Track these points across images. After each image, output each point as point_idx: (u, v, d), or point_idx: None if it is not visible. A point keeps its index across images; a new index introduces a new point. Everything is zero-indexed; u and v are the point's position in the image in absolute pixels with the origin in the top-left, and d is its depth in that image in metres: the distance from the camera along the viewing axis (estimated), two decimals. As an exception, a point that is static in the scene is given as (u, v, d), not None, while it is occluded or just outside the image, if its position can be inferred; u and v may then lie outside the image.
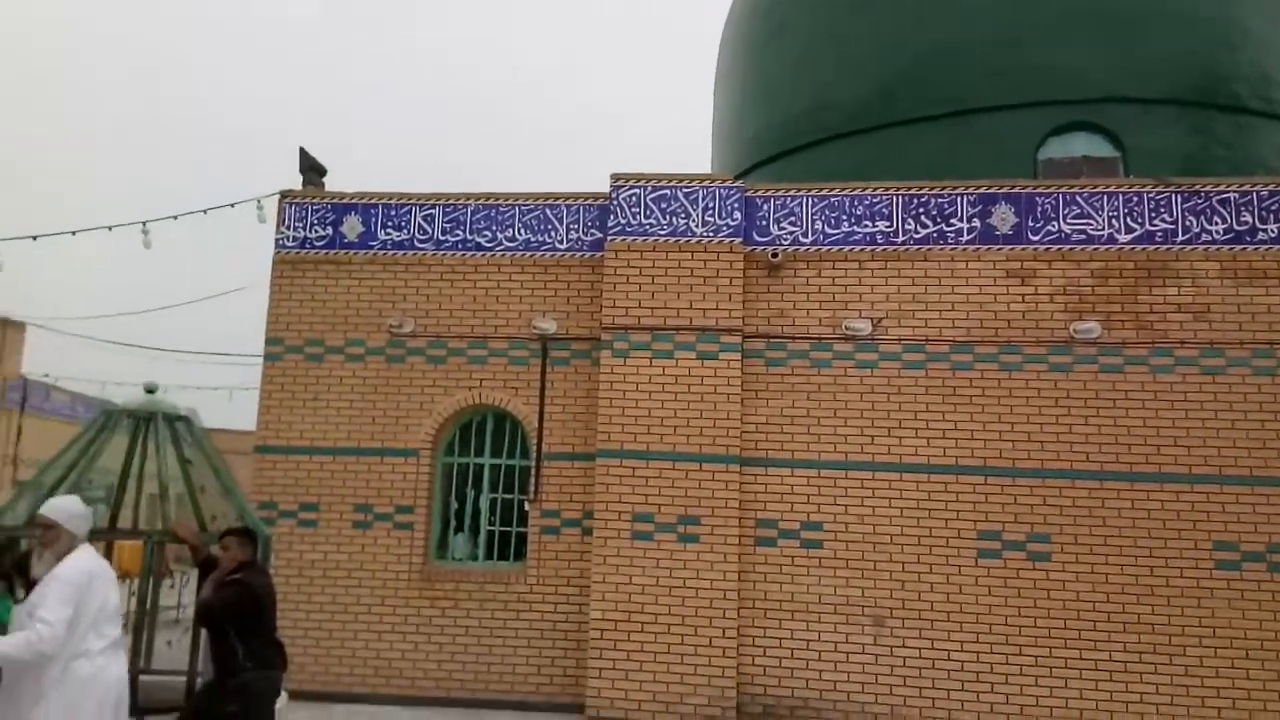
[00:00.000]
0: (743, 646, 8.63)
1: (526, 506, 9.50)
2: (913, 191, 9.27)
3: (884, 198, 9.30)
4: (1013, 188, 9.19)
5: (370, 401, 9.84)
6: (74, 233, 10.55)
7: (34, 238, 10.42)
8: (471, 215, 9.97)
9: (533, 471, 9.48)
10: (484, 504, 9.72)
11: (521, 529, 9.59)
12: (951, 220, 9.16)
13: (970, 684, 8.41)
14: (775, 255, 9.24)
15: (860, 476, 8.82)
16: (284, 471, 9.81)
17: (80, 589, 4.10)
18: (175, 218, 10.55)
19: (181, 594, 6.43)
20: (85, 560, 4.26)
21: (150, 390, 6.53)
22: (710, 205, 9.31)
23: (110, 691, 4.18)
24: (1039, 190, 9.14)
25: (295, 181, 10.57)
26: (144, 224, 10.22)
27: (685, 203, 9.35)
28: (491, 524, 9.67)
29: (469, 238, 9.95)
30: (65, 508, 4.33)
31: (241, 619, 5.16)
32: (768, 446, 9.03)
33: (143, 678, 6.22)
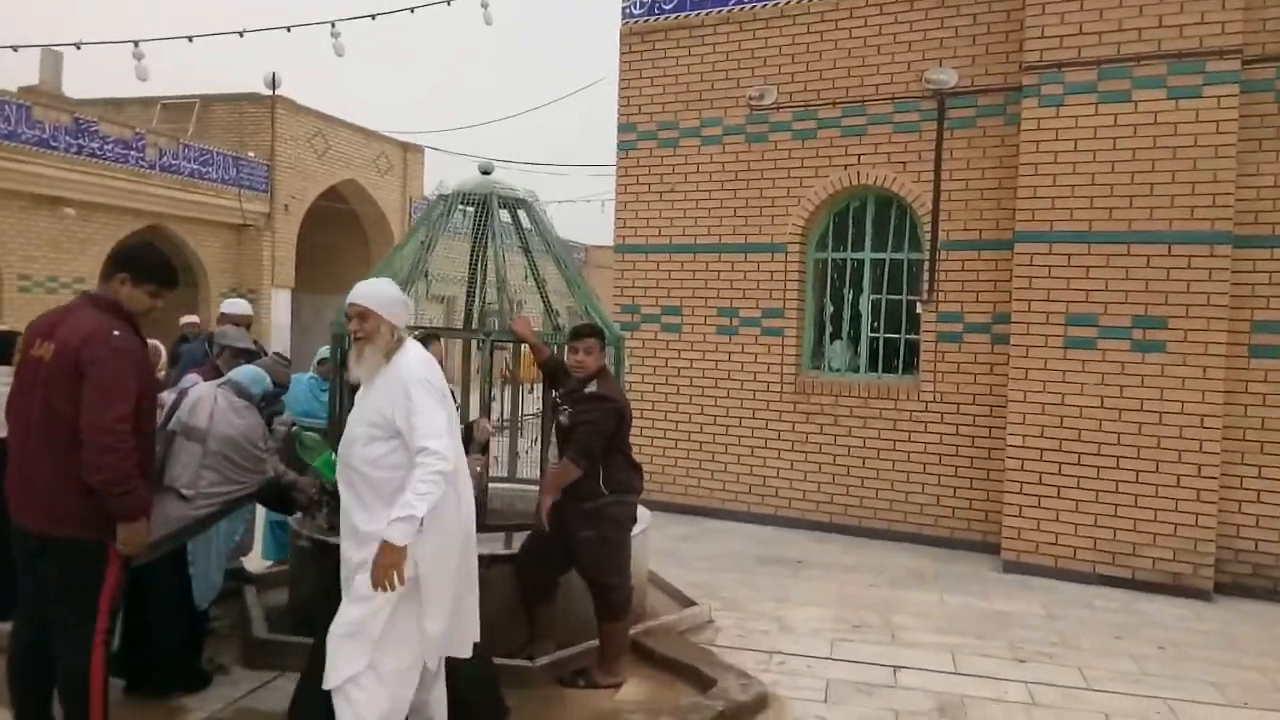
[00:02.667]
0: (1227, 489, 6.42)
1: (918, 309, 7.78)
2: None
3: None
4: None
5: (730, 190, 8.53)
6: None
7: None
8: (844, -55, 7.91)
9: (926, 266, 7.68)
10: (865, 306, 8.15)
11: (911, 336, 7.93)
12: None
13: None
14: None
15: None
16: (644, 273, 8.95)
17: (440, 386, 3.20)
18: None
19: (523, 402, 5.61)
20: (424, 352, 3.34)
21: (485, 171, 5.67)
22: (1194, -128, 6.40)
23: (470, 508, 3.35)
24: None
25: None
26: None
27: (1153, -125, 6.52)
28: (874, 330, 8.11)
29: (841, -25, 7.95)
30: (379, 292, 3.33)
31: (605, 440, 4.21)
32: (1275, 220, 6.37)
33: (495, 486, 5.71)
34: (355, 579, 3.05)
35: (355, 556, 3.08)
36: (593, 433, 4.18)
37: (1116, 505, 6.54)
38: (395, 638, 3.05)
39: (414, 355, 3.24)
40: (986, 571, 6.79)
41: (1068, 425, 6.71)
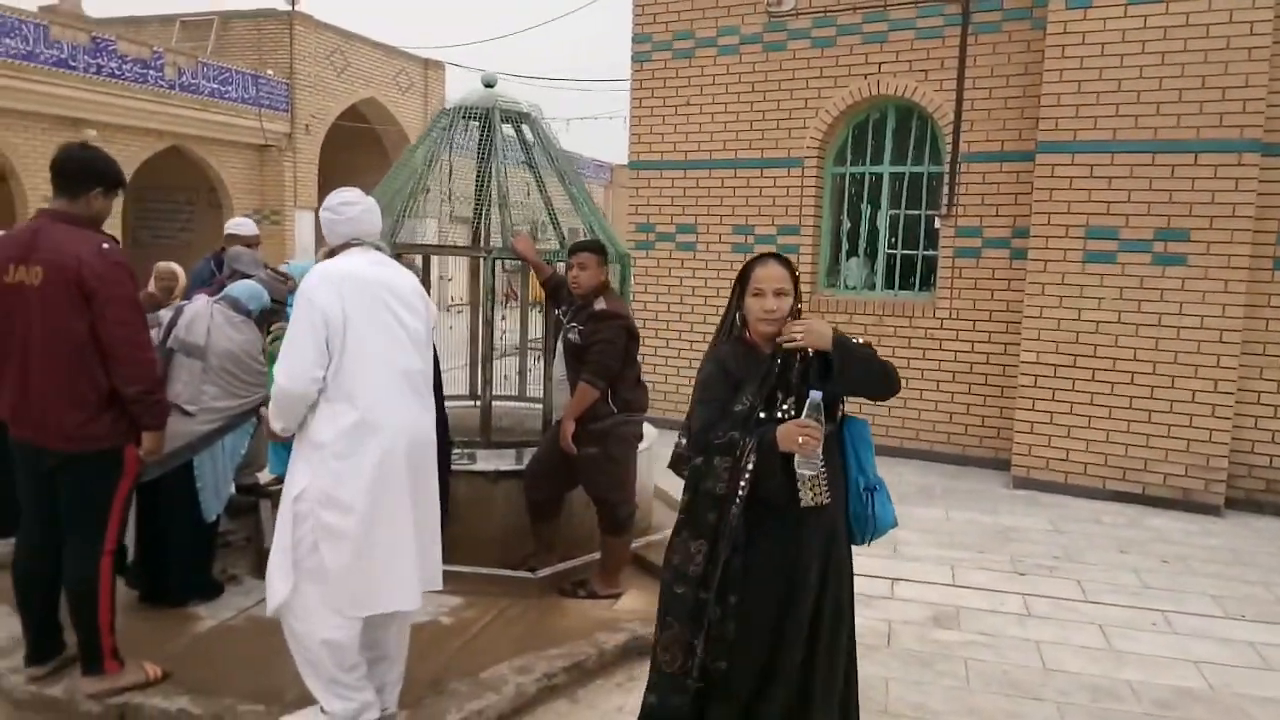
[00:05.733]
0: (1243, 404, 6.32)
1: (937, 224, 7.62)
2: None
3: None
4: None
5: (747, 103, 8.32)
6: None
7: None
8: None
9: (946, 179, 7.49)
10: (883, 222, 8.00)
11: (929, 252, 7.79)
12: None
13: None
14: None
15: None
16: (659, 190, 8.83)
17: (318, 309, 2.87)
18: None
19: (530, 324, 5.60)
20: (333, 265, 3.03)
21: (489, 84, 5.57)
22: None
23: (394, 447, 2.92)
24: None
25: None
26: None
27: None
28: (892, 246, 7.98)
29: None
30: (325, 204, 3.17)
31: (620, 358, 4.20)
32: (1310, 126, 6.12)
33: (504, 405, 5.77)
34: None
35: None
36: (609, 351, 4.15)
37: (1130, 421, 6.47)
38: (308, 560, 2.91)
39: (318, 270, 2.98)
40: (997, 488, 6.79)
41: (1083, 341, 6.60)
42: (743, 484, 2.44)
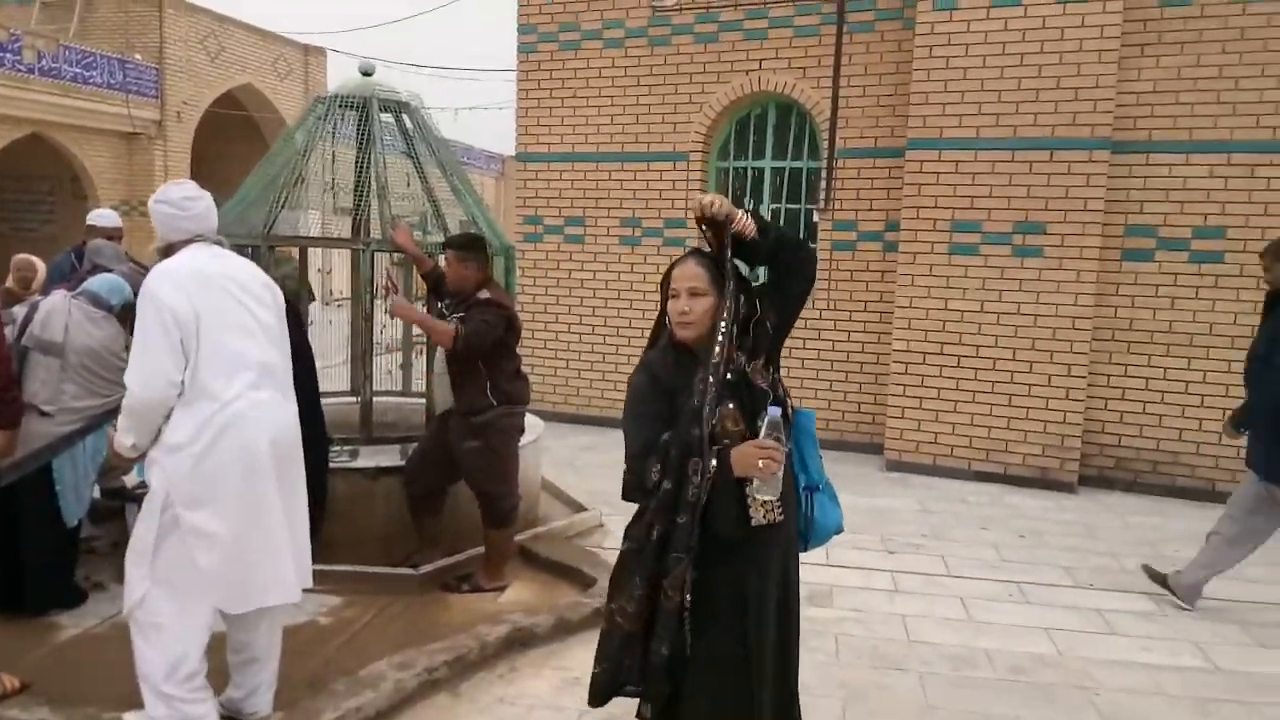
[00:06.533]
0: (1094, 387, 6.76)
1: (815, 218, 7.87)
2: None
3: None
4: None
5: (633, 97, 8.40)
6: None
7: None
8: None
9: (823, 174, 7.74)
10: (765, 215, 8.20)
11: (809, 245, 8.04)
12: None
13: None
14: None
15: (1303, 159, 6.21)
16: (546, 182, 8.82)
17: (167, 309, 2.76)
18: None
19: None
20: (172, 265, 2.89)
21: (366, 73, 5.46)
22: None
23: (256, 441, 2.85)
24: None
25: None
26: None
27: None
28: (775, 238, 8.18)
29: None
30: (155, 201, 3.02)
31: (495, 348, 4.19)
32: (1152, 125, 6.56)
33: (387, 400, 5.70)
34: None
35: None
36: (484, 329, 4.11)
37: (992, 405, 6.85)
38: (169, 564, 2.83)
39: (160, 269, 2.87)
40: (872, 472, 7.08)
41: (950, 329, 6.94)
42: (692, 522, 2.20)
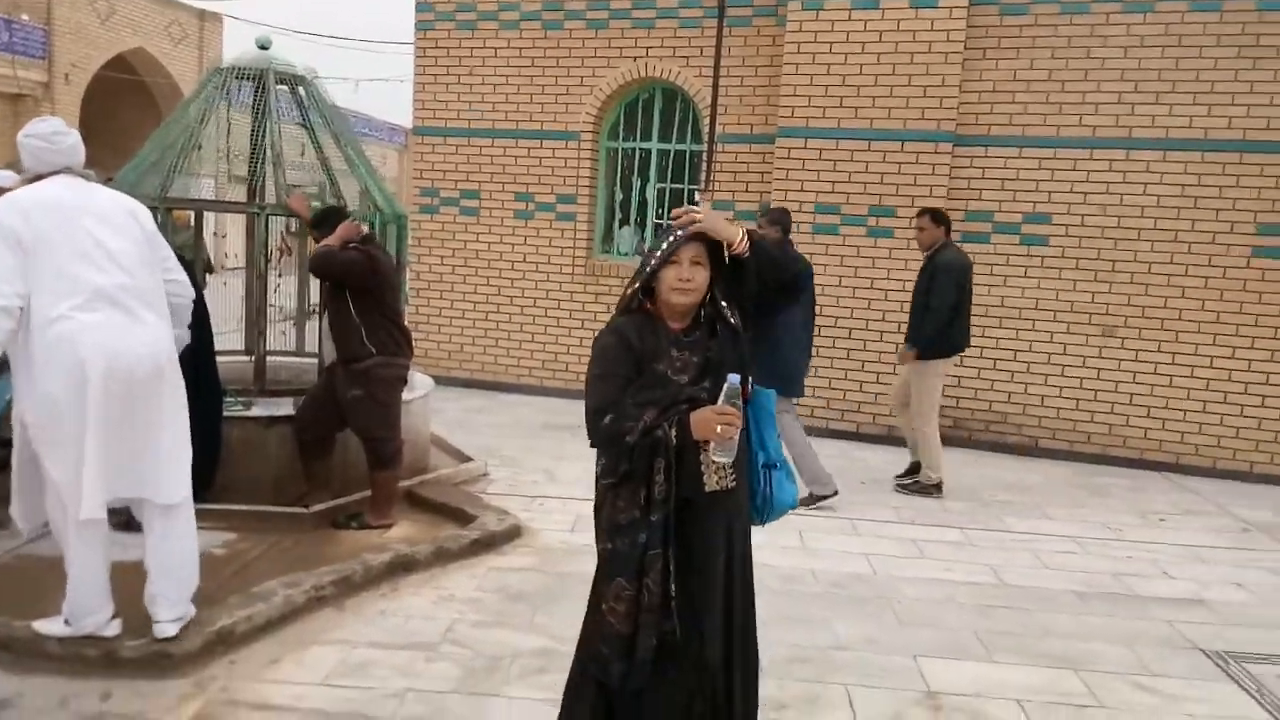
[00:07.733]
0: (938, 357, 7.51)
1: (697, 197, 8.42)
2: None
3: None
4: None
5: (527, 77, 8.79)
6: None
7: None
8: None
9: (705, 157, 8.30)
10: (651, 194, 8.74)
11: (693, 222, 8.59)
12: None
13: (1217, 406, 7.03)
14: None
15: (1110, 157, 7.04)
16: (443, 156, 9.15)
17: (5, 227, 2.96)
18: None
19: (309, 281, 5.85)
20: (21, 193, 3.11)
21: (263, 46, 5.73)
22: None
23: (90, 361, 3.00)
24: None
25: None
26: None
27: None
28: (659, 217, 8.73)
29: None
30: (24, 135, 3.19)
31: (360, 286, 4.57)
32: (991, 121, 7.32)
33: (282, 360, 6.01)
34: None
35: None
36: (347, 261, 4.56)
37: (847, 370, 7.56)
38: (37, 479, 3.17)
39: (6, 198, 3.08)
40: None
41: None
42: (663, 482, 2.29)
